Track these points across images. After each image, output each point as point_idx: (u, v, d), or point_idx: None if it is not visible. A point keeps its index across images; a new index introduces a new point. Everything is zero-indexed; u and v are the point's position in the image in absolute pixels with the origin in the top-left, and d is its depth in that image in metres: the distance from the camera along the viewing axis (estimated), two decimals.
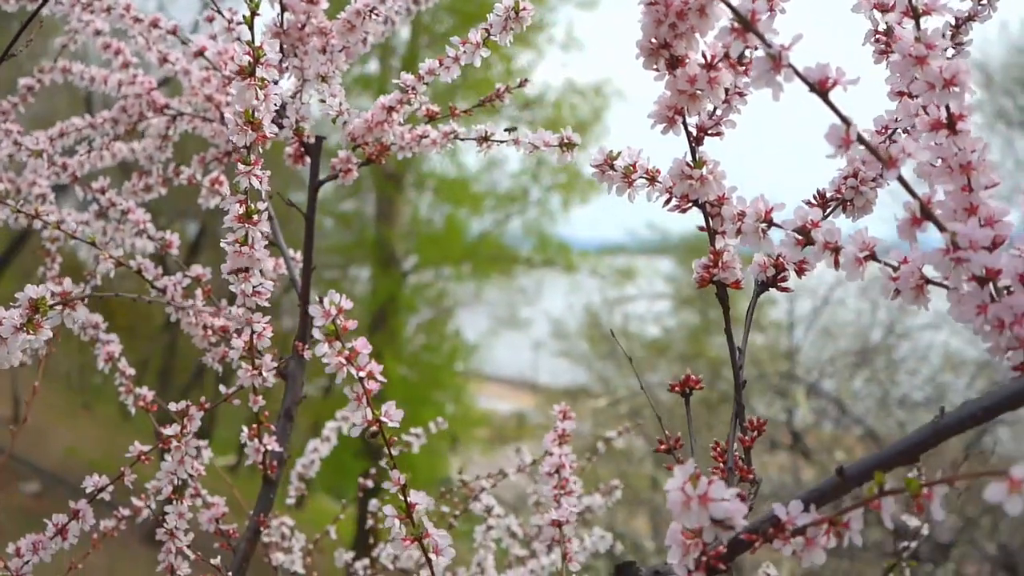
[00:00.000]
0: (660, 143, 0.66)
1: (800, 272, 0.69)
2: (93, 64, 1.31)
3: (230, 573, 0.97)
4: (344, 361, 0.62)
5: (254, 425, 0.97)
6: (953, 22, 0.72)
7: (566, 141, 0.84)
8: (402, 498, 0.66)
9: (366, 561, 1.42)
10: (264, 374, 0.91)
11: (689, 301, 9.87)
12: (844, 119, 0.51)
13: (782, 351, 6.70)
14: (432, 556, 0.65)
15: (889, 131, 0.69)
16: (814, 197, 0.70)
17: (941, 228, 0.51)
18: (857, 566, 5.87)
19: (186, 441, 0.90)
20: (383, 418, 0.63)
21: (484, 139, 0.94)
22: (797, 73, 0.50)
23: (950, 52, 0.72)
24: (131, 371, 1.11)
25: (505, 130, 0.92)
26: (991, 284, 0.51)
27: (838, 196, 0.69)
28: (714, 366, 7.61)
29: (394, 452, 0.66)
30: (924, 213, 0.52)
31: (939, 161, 0.56)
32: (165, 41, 1.13)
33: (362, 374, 0.62)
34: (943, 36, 0.63)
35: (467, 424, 10.15)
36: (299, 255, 1.12)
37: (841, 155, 0.52)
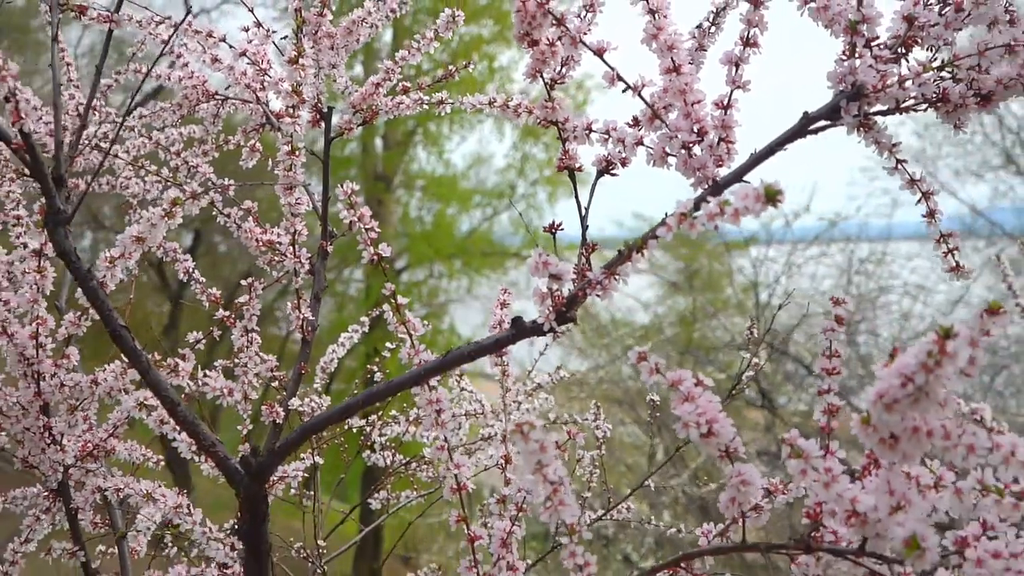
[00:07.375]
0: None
1: (623, 164, 1.16)
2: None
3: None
4: (356, 219, 1.10)
5: (295, 300, 1.44)
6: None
7: (491, 100, 1.31)
8: (394, 301, 1.13)
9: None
10: (303, 261, 1.38)
11: (677, 288, 10.35)
12: (611, 68, 0.99)
13: (750, 315, 7.19)
14: (412, 333, 1.12)
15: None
16: (632, 119, 1.18)
17: (663, 121, 0.99)
18: None
19: (254, 304, 1.38)
20: (380, 252, 1.11)
21: (441, 102, 1.42)
22: (585, 44, 0.98)
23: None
24: (203, 280, 1.58)
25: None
26: (690, 149, 1.00)
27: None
28: (704, 348, 8.15)
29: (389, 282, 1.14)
30: (654, 115, 1.00)
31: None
32: (217, 47, 1.60)
33: (368, 226, 1.10)
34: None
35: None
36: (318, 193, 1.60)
37: (610, 88, 0.99)
